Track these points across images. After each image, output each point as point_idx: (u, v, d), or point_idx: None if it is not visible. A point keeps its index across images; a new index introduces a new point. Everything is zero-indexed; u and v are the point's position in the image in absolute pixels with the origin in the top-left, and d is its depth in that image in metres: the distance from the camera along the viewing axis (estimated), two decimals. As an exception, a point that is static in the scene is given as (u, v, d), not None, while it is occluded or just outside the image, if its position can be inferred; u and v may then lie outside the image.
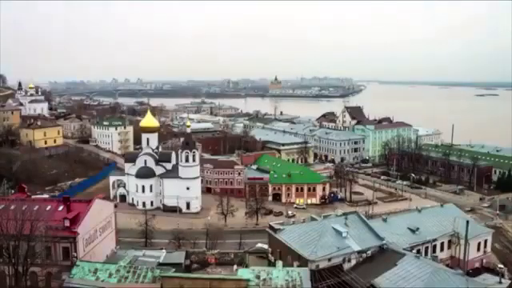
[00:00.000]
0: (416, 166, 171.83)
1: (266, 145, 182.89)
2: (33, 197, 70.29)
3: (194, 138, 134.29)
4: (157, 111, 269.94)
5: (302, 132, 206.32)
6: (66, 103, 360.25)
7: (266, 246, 73.03)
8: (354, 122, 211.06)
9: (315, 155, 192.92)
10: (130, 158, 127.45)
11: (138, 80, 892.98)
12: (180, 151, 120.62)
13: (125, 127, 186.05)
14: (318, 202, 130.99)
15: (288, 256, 63.46)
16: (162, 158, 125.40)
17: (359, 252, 62.66)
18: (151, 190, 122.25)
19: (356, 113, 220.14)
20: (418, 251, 68.00)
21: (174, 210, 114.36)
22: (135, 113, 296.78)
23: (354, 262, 62.13)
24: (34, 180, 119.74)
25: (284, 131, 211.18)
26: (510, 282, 65.47)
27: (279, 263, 56.28)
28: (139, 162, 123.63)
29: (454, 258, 73.36)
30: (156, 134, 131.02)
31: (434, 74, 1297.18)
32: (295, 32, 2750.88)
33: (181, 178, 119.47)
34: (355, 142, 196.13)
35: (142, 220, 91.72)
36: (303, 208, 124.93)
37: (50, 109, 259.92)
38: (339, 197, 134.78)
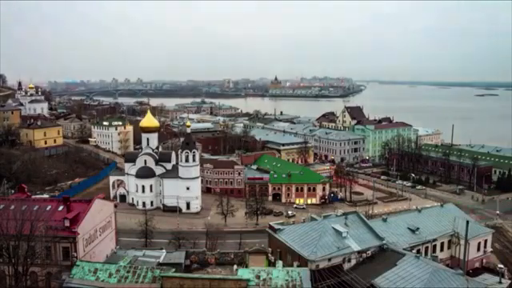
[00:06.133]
0: (416, 165, 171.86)
1: (266, 145, 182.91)
2: (33, 197, 70.20)
3: (193, 137, 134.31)
4: (157, 111, 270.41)
5: (302, 132, 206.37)
6: (66, 103, 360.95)
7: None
8: (353, 122, 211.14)
9: (315, 155, 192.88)
10: (130, 158, 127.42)
11: (138, 80, 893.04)
12: (180, 151, 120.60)
13: (125, 127, 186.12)
14: (317, 202, 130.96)
15: (288, 256, 63.47)
16: (162, 158, 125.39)
17: (359, 252, 62.61)
18: (151, 190, 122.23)
19: (356, 113, 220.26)
20: (418, 251, 67.94)
21: (173, 210, 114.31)
22: (135, 113, 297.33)
23: (353, 261, 62.06)
24: (34, 180, 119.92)
25: (284, 131, 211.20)
26: (510, 281, 65.47)
27: (279, 263, 56.26)
28: (139, 162, 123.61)
29: (454, 258, 73.33)
30: (156, 134, 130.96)
31: (434, 74, 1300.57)
32: (295, 32, 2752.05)
33: (181, 178, 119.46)
34: (355, 142, 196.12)
35: (142, 220, 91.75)
36: (303, 208, 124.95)
37: (50, 109, 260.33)
38: (339, 197, 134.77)
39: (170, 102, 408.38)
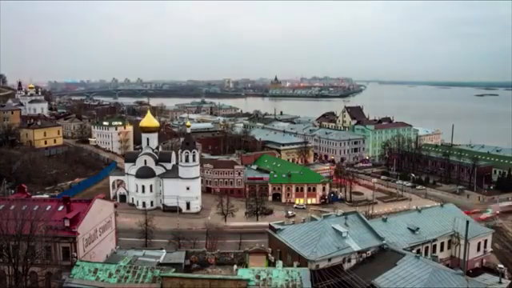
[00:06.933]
0: (416, 165, 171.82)
1: (266, 145, 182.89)
2: (33, 197, 70.13)
3: (193, 137, 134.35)
4: (157, 111, 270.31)
5: (302, 132, 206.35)
6: (66, 103, 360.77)
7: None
8: (353, 122, 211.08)
9: (315, 155, 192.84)
10: (130, 158, 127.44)
11: (138, 80, 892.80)
12: (180, 151, 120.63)
13: (125, 127, 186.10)
14: (317, 202, 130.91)
15: (288, 256, 63.43)
16: (162, 158, 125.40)
17: (359, 252, 62.56)
18: (151, 190, 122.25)
19: (356, 113, 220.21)
20: (418, 251, 67.91)
21: (173, 210, 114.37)
22: (135, 113, 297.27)
23: (353, 261, 62.01)
24: (34, 180, 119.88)
25: (284, 131, 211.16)
26: (510, 281, 65.46)
27: (279, 263, 56.20)
28: (139, 162, 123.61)
29: (454, 258, 73.31)
30: (156, 134, 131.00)
31: (434, 74, 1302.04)
32: (296, 31, 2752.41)
33: (181, 178, 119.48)
34: (355, 142, 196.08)
35: (142, 220, 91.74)
36: (303, 208, 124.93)
37: (50, 109, 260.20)
38: (339, 197, 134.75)
39: (170, 102, 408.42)
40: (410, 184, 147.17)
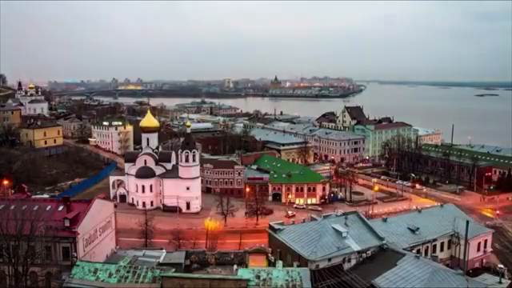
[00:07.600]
0: (416, 165, 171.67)
1: (266, 145, 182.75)
2: (33, 197, 70.21)
3: (193, 137, 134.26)
4: (157, 111, 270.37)
5: (302, 132, 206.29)
6: (66, 103, 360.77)
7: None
8: (353, 122, 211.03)
9: (315, 155, 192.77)
10: (130, 158, 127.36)
11: (138, 80, 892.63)
12: (180, 151, 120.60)
13: (125, 127, 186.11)
14: (318, 202, 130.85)
15: (288, 256, 63.46)
16: (162, 158, 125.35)
17: (359, 252, 62.61)
18: (151, 190, 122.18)
19: (356, 113, 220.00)
20: (418, 251, 68.01)
21: (174, 210, 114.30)
22: (135, 113, 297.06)
23: (353, 261, 62.08)
24: (34, 180, 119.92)
25: (284, 131, 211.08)
26: (510, 281, 65.49)
27: (279, 263, 56.22)
28: (139, 162, 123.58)
29: (454, 258, 73.36)
30: (156, 134, 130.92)
31: (434, 75, 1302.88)
32: (295, 31, 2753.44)
33: (181, 178, 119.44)
34: (355, 142, 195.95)
35: (142, 220, 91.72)
36: (303, 208, 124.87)
37: (50, 109, 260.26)
38: (339, 197, 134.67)
39: (170, 102, 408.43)
40: (409, 184, 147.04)
